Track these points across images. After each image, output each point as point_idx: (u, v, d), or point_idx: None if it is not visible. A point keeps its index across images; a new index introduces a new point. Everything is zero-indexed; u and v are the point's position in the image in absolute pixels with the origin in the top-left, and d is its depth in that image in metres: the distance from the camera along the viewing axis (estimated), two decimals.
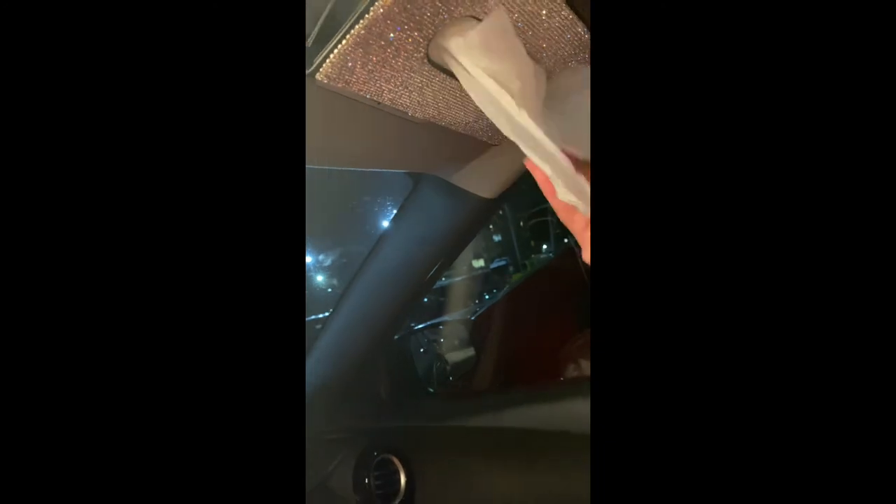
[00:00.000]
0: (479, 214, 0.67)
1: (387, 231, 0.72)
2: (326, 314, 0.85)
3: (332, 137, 0.42)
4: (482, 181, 0.63)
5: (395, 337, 1.01)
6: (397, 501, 0.77)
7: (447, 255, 0.73)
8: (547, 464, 0.66)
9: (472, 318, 1.22)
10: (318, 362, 0.89)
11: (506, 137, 0.31)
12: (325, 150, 0.43)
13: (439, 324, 1.16)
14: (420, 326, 1.12)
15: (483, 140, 0.52)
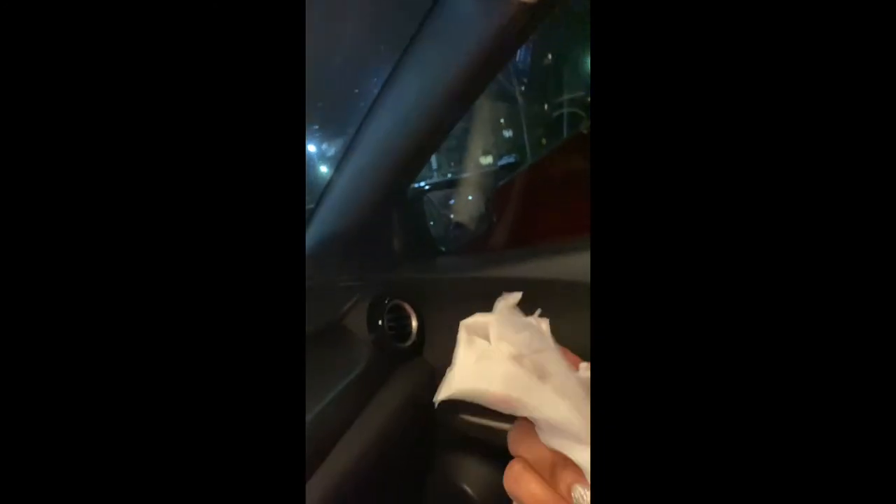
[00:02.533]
0: (517, 25, 0.57)
1: (407, 51, 0.63)
2: None
3: None
4: None
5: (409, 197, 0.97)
6: (409, 342, 0.78)
7: (478, 77, 0.64)
8: (557, 312, 0.65)
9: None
10: (330, 209, 0.85)
11: None
12: None
13: (453, 183, 1.12)
14: (433, 182, 1.08)
15: None
